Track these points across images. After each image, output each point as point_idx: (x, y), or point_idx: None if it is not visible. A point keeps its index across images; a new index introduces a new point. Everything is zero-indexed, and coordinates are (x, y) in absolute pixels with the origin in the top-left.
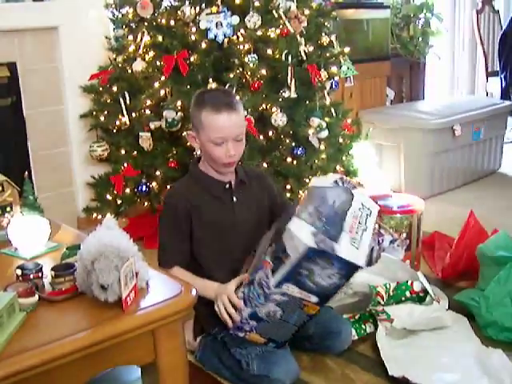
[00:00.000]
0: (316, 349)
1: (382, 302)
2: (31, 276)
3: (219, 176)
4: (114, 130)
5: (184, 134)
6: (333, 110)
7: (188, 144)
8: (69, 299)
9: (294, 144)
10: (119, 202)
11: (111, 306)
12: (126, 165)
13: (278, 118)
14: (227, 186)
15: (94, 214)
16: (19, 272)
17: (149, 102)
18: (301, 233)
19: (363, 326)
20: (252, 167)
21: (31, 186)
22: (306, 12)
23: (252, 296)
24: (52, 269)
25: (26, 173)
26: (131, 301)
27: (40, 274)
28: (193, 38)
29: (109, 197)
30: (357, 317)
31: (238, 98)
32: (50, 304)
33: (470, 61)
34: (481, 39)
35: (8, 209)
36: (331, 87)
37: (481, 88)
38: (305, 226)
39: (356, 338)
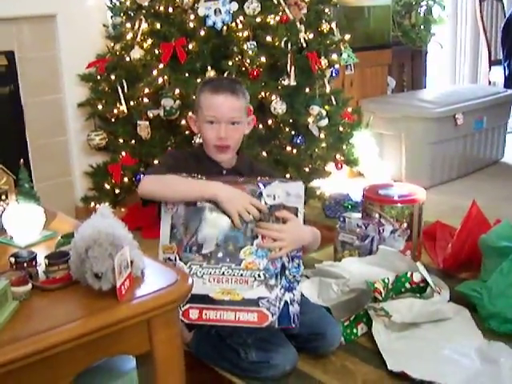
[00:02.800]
0: (303, 348)
1: (380, 298)
2: (25, 264)
3: (218, 159)
4: (112, 119)
5: (183, 122)
6: (333, 99)
7: (187, 132)
8: (63, 288)
9: (293, 132)
10: (117, 191)
11: (106, 294)
12: (124, 154)
13: (278, 106)
14: (224, 171)
15: (92, 204)
16: (13, 260)
17: (147, 90)
18: None
19: (354, 330)
20: (263, 165)
21: (27, 174)
22: None
23: None
24: (46, 257)
25: (22, 160)
26: (126, 290)
27: (34, 263)
28: (191, 25)
29: (107, 186)
30: (352, 318)
31: (244, 88)
32: (44, 293)
33: (473, 49)
34: (483, 27)
35: (3, 197)
36: (331, 75)
37: (483, 77)
38: None
39: (344, 343)
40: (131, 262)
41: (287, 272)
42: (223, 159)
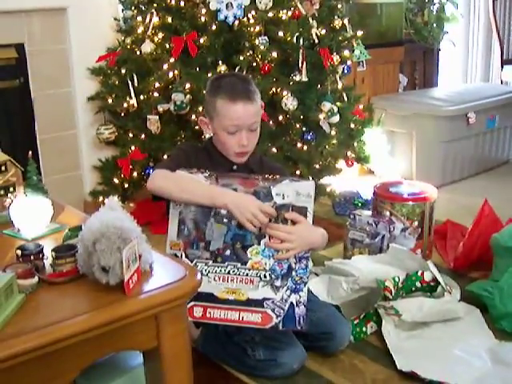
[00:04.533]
0: (312, 347)
1: (391, 297)
2: (31, 257)
3: (237, 161)
4: (122, 113)
5: (193, 117)
6: (344, 95)
7: (196, 127)
8: (70, 281)
9: (304, 129)
10: (126, 185)
11: (113, 289)
12: (133, 148)
13: (289, 102)
14: (234, 167)
15: (101, 198)
16: (19, 253)
17: (157, 85)
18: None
19: (364, 329)
20: (273, 161)
21: (35, 167)
22: None
23: None
24: (53, 250)
25: (30, 153)
26: (134, 284)
27: (41, 256)
28: (202, 19)
29: (116, 180)
30: (361, 317)
31: (254, 84)
32: (51, 286)
33: (485, 48)
34: (496, 26)
35: (11, 189)
36: (343, 72)
37: (495, 76)
38: None
39: (353, 342)
40: (139, 256)
41: (294, 273)
42: (242, 162)
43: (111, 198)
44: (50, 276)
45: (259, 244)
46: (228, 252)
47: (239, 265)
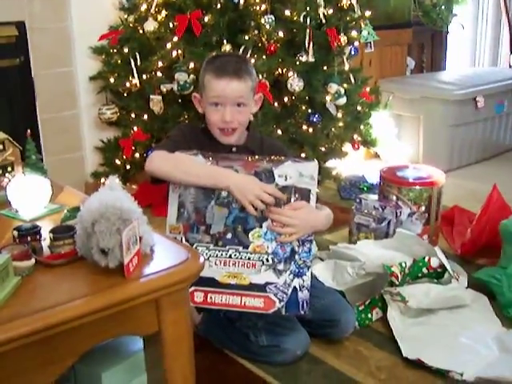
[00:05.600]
0: (316, 334)
1: (397, 283)
2: (28, 238)
3: (223, 140)
4: (125, 93)
5: None
6: (351, 77)
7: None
8: (68, 264)
9: (310, 111)
10: (128, 167)
11: (112, 272)
12: (135, 129)
13: (294, 83)
14: (234, 149)
15: (103, 179)
16: (16, 234)
17: (160, 64)
18: None
19: (369, 315)
20: (273, 139)
21: (34, 145)
22: None
23: None
24: (51, 231)
25: (29, 131)
26: (134, 267)
27: (38, 237)
28: None
29: (118, 162)
30: (367, 303)
31: (250, 66)
32: (48, 268)
33: (494, 32)
34: (506, 9)
35: (9, 169)
36: (350, 53)
37: (504, 60)
38: None
39: (358, 328)
40: (140, 238)
41: (297, 257)
42: (228, 142)
43: (111, 177)
44: (47, 258)
45: (261, 227)
46: (229, 235)
47: (241, 248)
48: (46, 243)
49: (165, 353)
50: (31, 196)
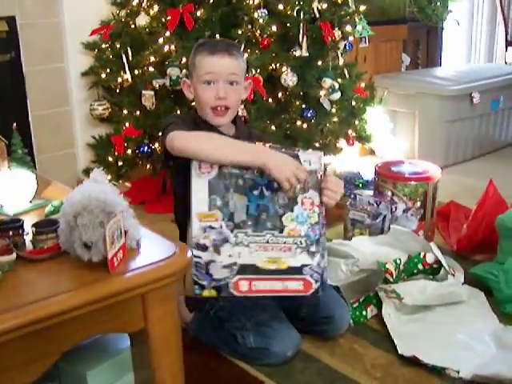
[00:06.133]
0: (310, 331)
1: (392, 280)
2: (10, 233)
3: (216, 126)
4: (117, 90)
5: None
6: (346, 72)
7: (193, 104)
8: (51, 259)
9: (304, 106)
10: (120, 163)
11: (97, 266)
12: (127, 125)
13: (288, 78)
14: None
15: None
16: None
17: (152, 59)
18: None
19: (364, 312)
20: (260, 133)
21: (20, 139)
22: None
23: None
24: (33, 225)
25: (15, 124)
26: (118, 262)
27: (21, 231)
28: None
29: (110, 158)
30: (361, 299)
31: (240, 50)
32: (30, 264)
33: (490, 28)
34: (501, 5)
35: None
36: (345, 48)
37: (500, 57)
38: None
39: (353, 325)
40: (125, 232)
41: (322, 239)
42: (221, 123)
43: (96, 170)
44: (29, 253)
45: (292, 211)
46: (252, 222)
47: (277, 233)
48: (28, 238)
49: (152, 350)
50: (15, 190)
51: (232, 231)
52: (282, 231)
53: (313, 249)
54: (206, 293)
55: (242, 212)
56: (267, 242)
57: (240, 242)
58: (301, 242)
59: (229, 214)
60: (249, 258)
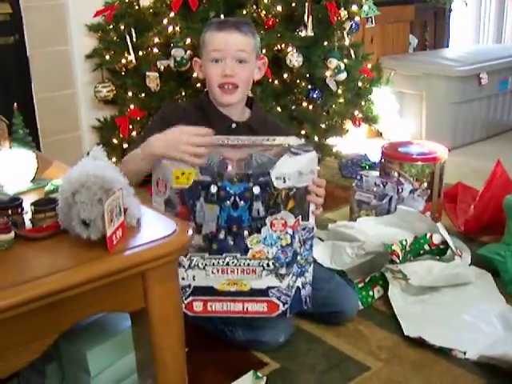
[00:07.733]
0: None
1: (398, 261)
2: (9, 211)
3: (226, 111)
4: (121, 72)
5: (194, 74)
6: (352, 52)
7: (198, 85)
8: (49, 237)
9: (309, 87)
10: (125, 145)
11: (96, 245)
12: (132, 107)
13: (294, 59)
14: (233, 125)
15: None
16: None
17: (156, 40)
18: None
19: (371, 293)
20: (278, 121)
21: (21, 119)
22: None
23: None
24: (32, 204)
25: (16, 104)
26: (118, 240)
27: (20, 210)
28: None
29: (115, 141)
30: (366, 280)
31: (254, 29)
32: (29, 242)
33: (498, 8)
34: None
35: None
36: (351, 28)
37: (508, 37)
38: None
39: (361, 307)
40: (125, 210)
41: (299, 257)
42: (228, 102)
43: (95, 147)
44: (28, 231)
45: (259, 232)
46: (222, 235)
47: (239, 255)
48: (28, 217)
49: (153, 330)
50: (15, 170)
51: (186, 255)
52: (245, 253)
53: (282, 271)
54: None
55: (212, 223)
56: (227, 265)
57: (195, 265)
58: (268, 264)
59: (195, 225)
60: (205, 280)
